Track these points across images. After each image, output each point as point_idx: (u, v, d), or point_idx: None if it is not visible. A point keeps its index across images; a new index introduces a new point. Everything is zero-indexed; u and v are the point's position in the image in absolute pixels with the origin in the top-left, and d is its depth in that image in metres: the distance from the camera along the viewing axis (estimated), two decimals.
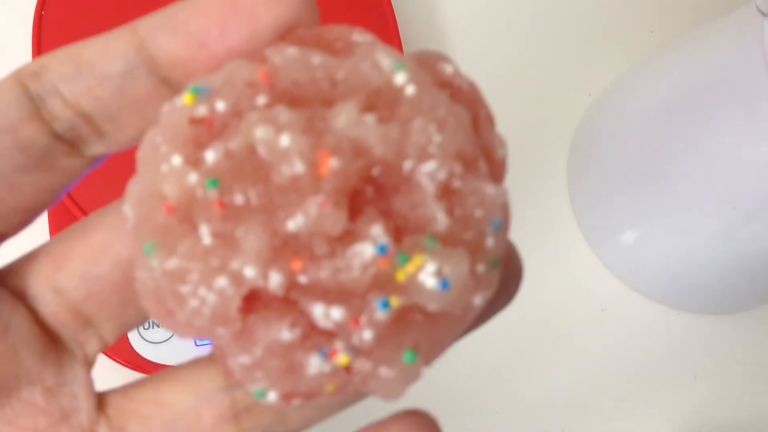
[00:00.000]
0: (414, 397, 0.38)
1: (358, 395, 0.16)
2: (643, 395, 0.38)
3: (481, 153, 0.14)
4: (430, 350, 0.14)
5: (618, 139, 0.38)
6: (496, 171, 0.15)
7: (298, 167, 0.13)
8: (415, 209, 0.13)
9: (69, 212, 0.35)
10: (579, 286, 0.39)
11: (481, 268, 0.14)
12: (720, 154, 0.32)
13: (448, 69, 0.15)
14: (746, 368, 0.39)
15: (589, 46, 0.43)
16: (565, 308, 0.39)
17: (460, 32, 0.43)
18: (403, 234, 0.13)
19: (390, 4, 0.39)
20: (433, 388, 0.37)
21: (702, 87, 0.33)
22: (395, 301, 0.13)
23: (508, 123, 0.42)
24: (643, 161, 0.36)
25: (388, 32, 0.38)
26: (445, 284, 0.13)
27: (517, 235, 0.41)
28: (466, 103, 0.15)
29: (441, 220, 0.13)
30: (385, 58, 0.14)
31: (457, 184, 0.13)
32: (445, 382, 0.37)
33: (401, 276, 0.13)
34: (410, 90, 0.14)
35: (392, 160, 0.13)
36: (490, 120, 0.15)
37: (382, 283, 0.13)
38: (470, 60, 0.43)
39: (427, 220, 0.13)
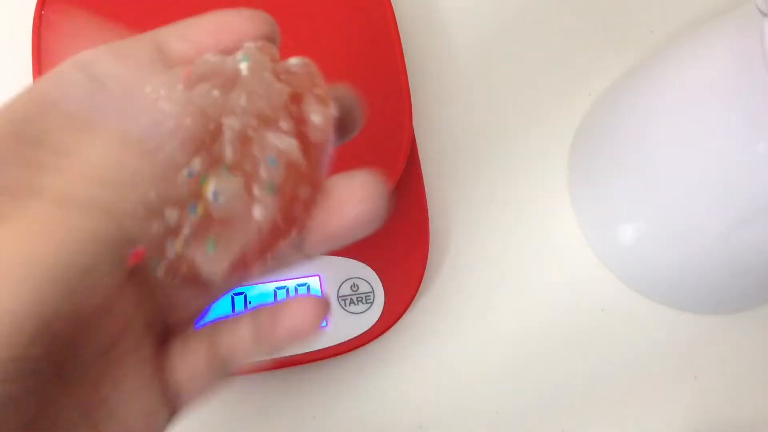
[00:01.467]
0: (414, 397, 0.39)
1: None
2: (643, 395, 0.38)
3: (290, 116, 0.21)
4: (228, 244, 0.20)
5: (618, 139, 0.38)
6: (304, 128, 0.21)
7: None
8: (219, 147, 0.20)
9: None
10: (579, 286, 0.39)
11: (256, 190, 0.20)
12: (720, 154, 0.32)
13: (292, 61, 0.21)
14: (746, 368, 0.39)
15: (589, 46, 0.43)
16: (565, 308, 0.39)
17: (460, 32, 0.43)
18: (213, 164, 0.20)
19: (390, 3, 0.39)
20: (433, 387, 0.37)
21: (702, 87, 0.33)
22: (200, 208, 0.20)
23: (509, 123, 0.42)
24: (643, 161, 0.36)
25: (388, 31, 0.38)
26: (215, 196, 0.20)
27: (517, 234, 0.42)
28: (296, 84, 0.21)
29: (228, 155, 0.20)
30: (240, 54, 0.21)
31: (250, 132, 0.20)
32: (445, 382, 0.37)
33: (204, 191, 0.20)
34: (244, 72, 0.21)
35: (217, 117, 0.20)
36: (318, 97, 0.21)
37: (195, 194, 0.20)
38: (471, 60, 0.43)
39: (223, 155, 0.20)
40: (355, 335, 0.36)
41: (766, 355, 0.39)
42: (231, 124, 0.20)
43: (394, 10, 0.39)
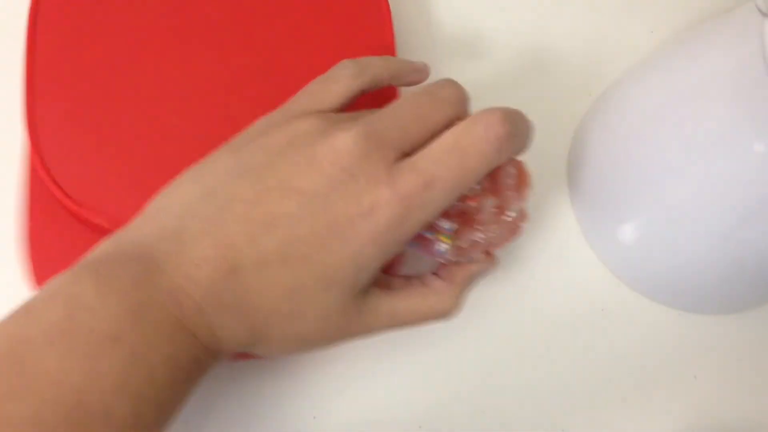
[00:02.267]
0: (415, 397, 0.39)
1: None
2: (643, 395, 0.38)
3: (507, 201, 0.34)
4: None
5: (618, 139, 0.38)
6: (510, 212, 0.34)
7: None
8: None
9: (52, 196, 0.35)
10: (579, 286, 0.39)
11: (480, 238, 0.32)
12: (720, 154, 0.32)
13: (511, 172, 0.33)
14: (746, 368, 0.39)
15: (589, 46, 0.43)
16: (565, 308, 0.39)
17: (460, 32, 0.43)
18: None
19: (387, 3, 0.39)
20: (433, 387, 0.37)
21: (702, 87, 0.33)
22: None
23: None
24: (643, 161, 0.36)
25: (384, 30, 0.38)
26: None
27: None
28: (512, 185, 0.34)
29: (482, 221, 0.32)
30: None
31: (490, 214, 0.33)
32: (445, 382, 0.37)
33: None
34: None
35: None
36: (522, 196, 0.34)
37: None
38: (471, 60, 0.43)
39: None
40: None
41: (766, 355, 0.39)
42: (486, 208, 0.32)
43: (391, 11, 0.39)
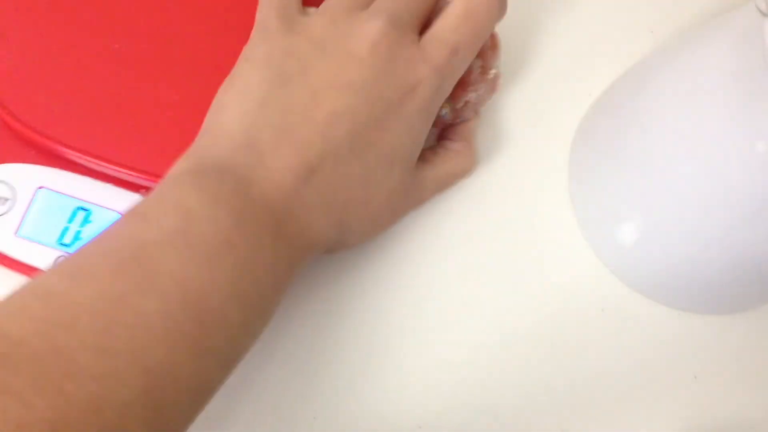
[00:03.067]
0: (415, 396, 0.39)
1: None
2: (643, 395, 0.38)
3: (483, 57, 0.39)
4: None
5: (618, 139, 0.38)
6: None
7: None
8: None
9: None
10: (579, 286, 0.39)
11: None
12: (720, 154, 0.32)
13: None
14: (746, 368, 0.39)
15: (589, 46, 0.43)
16: (565, 308, 0.39)
17: None
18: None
19: None
20: (433, 388, 0.37)
21: (702, 87, 0.33)
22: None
23: (509, 122, 0.42)
24: (642, 161, 0.36)
25: None
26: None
27: (517, 234, 0.42)
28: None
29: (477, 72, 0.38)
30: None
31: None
32: (444, 382, 0.37)
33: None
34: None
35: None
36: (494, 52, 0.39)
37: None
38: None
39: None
40: None
41: (766, 355, 0.39)
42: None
43: None
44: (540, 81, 0.42)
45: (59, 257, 0.35)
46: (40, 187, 0.35)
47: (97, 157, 0.35)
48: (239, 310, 0.28)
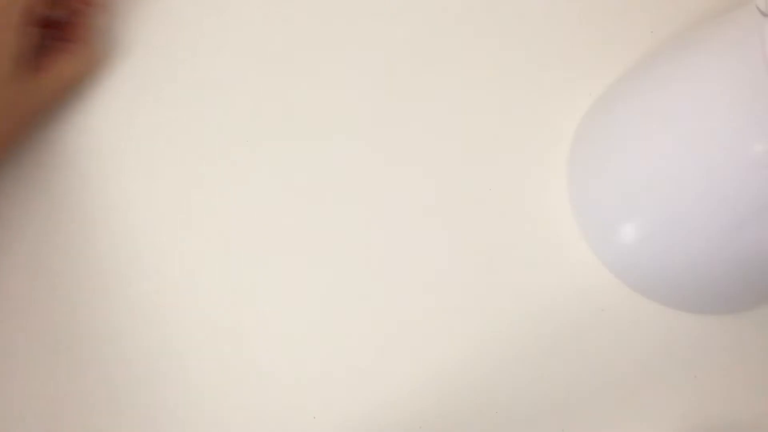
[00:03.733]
0: (415, 397, 0.39)
1: None
2: (643, 395, 0.38)
3: None
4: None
5: (618, 139, 0.38)
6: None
7: None
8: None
9: None
10: (579, 286, 0.39)
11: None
12: (720, 154, 0.32)
13: None
14: (746, 368, 0.39)
15: (589, 46, 0.43)
16: (565, 308, 0.39)
17: (459, 32, 0.43)
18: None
19: None
20: (433, 388, 0.37)
21: (702, 87, 0.32)
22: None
23: (509, 122, 0.42)
24: (643, 161, 0.36)
25: None
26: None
27: (517, 234, 0.42)
28: None
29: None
30: None
31: None
32: (444, 382, 0.37)
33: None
34: None
35: None
36: None
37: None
38: (471, 60, 0.43)
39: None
40: None
41: (766, 355, 0.39)
42: None
43: None
44: (540, 81, 0.42)
45: None
46: None
47: None
48: None
